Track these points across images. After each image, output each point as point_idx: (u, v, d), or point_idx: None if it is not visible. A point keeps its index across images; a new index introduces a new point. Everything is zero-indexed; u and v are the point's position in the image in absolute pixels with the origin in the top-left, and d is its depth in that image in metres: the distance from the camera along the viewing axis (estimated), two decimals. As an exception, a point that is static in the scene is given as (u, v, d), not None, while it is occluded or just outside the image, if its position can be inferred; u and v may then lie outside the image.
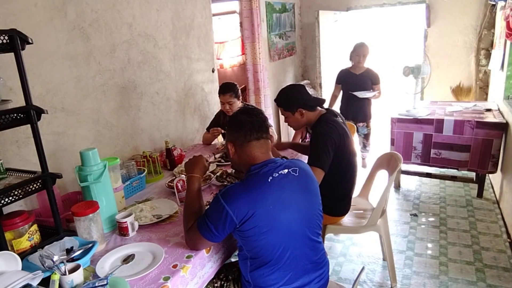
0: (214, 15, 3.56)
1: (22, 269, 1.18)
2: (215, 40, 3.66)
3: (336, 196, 2.08)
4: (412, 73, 3.39)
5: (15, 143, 1.78)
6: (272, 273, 1.31)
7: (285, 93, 2.05)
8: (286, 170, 1.36)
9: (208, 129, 2.91)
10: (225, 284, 1.49)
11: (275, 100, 2.09)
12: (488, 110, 3.43)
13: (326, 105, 2.15)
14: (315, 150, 1.91)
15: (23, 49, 1.31)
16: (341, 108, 3.97)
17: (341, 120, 2.08)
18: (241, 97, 2.78)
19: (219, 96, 2.77)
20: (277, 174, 1.33)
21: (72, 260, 1.25)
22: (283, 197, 1.31)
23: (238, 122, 1.40)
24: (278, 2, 4.74)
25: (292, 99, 2.01)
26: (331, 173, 1.93)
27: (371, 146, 4.21)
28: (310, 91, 5.18)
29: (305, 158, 2.53)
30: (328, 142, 1.89)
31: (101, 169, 1.56)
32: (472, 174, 3.54)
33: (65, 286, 1.16)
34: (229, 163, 2.23)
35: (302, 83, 5.41)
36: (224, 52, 5.09)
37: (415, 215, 3.14)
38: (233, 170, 2.09)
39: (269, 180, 1.31)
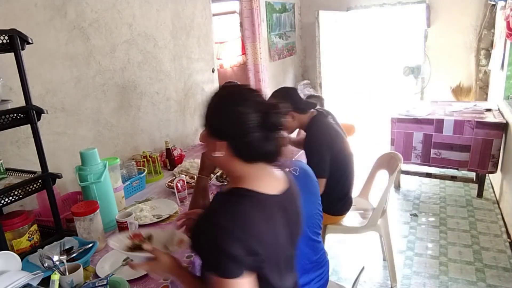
0: (214, 15, 3.56)
1: (22, 269, 1.17)
2: (215, 40, 3.65)
3: (334, 196, 2.10)
4: (412, 73, 3.39)
5: (15, 143, 1.78)
6: (272, 272, 1.31)
7: (275, 97, 2.04)
8: (287, 170, 1.36)
9: None
10: (225, 284, 1.48)
11: None
12: (488, 110, 3.43)
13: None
14: (314, 161, 1.95)
15: (23, 49, 1.31)
16: None
17: (333, 121, 2.10)
18: None
19: None
20: None
21: (72, 260, 1.25)
22: None
23: None
24: (278, 2, 4.74)
25: (283, 103, 2.03)
26: (329, 174, 1.98)
27: None
28: (310, 90, 5.18)
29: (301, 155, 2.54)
30: (323, 149, 1.97)
31: (101, 169, 1.56)
32: (472, 174, 3.54)
33: (65, 286, 1.16)
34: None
35: (302, 83, 5.40)
36: (224, 52, 5.08)
37: (415, 215, 3.14)
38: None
39: None
